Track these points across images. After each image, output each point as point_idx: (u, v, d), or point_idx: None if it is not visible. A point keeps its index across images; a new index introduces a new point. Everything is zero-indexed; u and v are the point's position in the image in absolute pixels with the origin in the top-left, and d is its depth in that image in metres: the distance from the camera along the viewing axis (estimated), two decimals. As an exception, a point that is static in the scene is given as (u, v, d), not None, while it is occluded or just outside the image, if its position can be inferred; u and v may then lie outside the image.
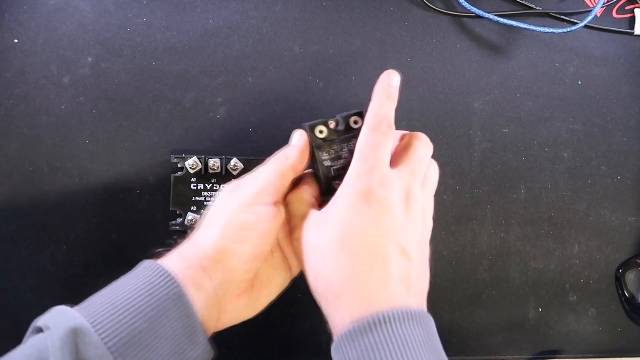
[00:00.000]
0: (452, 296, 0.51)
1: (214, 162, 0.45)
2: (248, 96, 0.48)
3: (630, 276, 0.52)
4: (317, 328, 0.48)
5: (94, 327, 0.26)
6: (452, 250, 0.50)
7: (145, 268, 0.31)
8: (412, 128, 0.50)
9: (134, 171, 0.46)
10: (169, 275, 0.30)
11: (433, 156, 0.36)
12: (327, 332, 0.31)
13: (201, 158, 0.45)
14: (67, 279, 0.45)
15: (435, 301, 0.50)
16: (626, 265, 0.53)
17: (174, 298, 0.29)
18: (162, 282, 0.29)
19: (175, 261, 0.31)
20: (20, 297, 0.45)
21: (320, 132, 0.35)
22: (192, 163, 0.44)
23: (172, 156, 0.45)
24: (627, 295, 0.52)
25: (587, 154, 0.53)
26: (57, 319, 0.27)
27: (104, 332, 0.26)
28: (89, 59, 0.46)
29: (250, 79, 0.48)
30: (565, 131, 0.52)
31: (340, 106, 0.48)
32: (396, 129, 0.36)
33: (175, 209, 0.45)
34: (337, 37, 0.49)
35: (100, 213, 0.46)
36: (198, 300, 0.30)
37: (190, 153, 0.45)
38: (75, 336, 0.26)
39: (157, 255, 0.32)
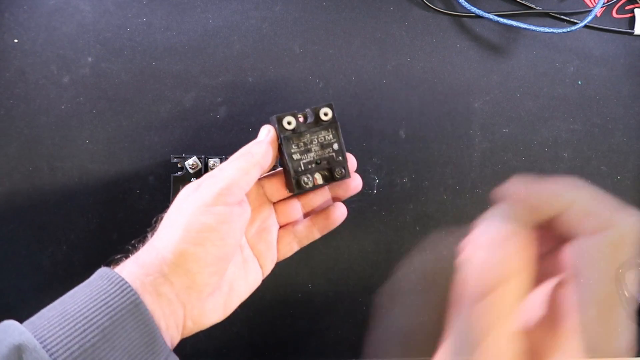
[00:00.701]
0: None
1: (214, 162, 0.45)
2: (248, 96, 0.48)
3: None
4: (317, 328, 0.48)
5: (41, 342, 0.25)
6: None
7: (100, 277, 0.29)
8: (412, 128, 0.50)
9: (134, 171, 0.46)
10: (125, 283, 0.28)
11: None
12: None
13: (201, 158, 0.45)
14: (67, 279, 0.45)
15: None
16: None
17: (131, 307, 0.28)
18: (118, 291, 0.28)
19: (133, 268, 0.30)
20: (20, 297, 0.45)
21: (289, 123, 0.34)
22: (192, 163, 0.44)
23: (172, 156, 0.45)
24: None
25: (587, 154, 0.53)
26: (2, 336, 0.25)
27: (52, 347, 0.25)
28: (89, 59, 0.46)
29: (250, 79, 0.48)
30: (565, 131, 0.52)
31: (340, 106, 0.48)
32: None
33: (175, 209, 0.45)
34: (337, 37, 0.49)
35: (100, 213, 0.46)
36: (159, 308, 0.29)
37: (190, 153, 0.45)
38: (20, 353, 0.24)
39: (115, 262, 0.31)
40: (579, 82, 0.53)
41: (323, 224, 0.38)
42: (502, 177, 0.51)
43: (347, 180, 0.37)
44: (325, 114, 0.35)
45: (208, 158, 0.45)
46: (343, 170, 0.36)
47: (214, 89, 0.47)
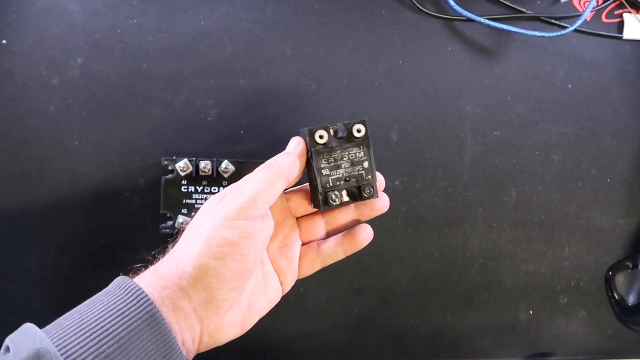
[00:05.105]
0: (443, 299, 0.51)
1: (205, 165, 0.45)
2: (239, 98, 0.47)
3: (619, 278, 0.53)
4: (309, 331, 0.48)
5: (59, 350, 0.25)
6: (443, 253, 0.51)
7: (118, 285, 0.29)
8: (404, 131, 0.50)
9: (124, 174, 0.46)
10: (142, 293, 0.28)
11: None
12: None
13: (192, 160, 0.45)
14: (55, 283, 0.45)
15: (427, 304, 0.50)
16: (616, 267, 0.53)
17: (147, 317, 0.27)
18: (134, 301, 0.28)
19: (151, 279, 0.30)
20: (8, 302, 0.44)
21: (321, 137, 0.34)
22: (182, 165, 0.44)
23: (163, 158, 0.45)
24: (616, 297, 0.53)
25: (577, 157, 0.53)
26: (22, 340, 0.26)
27: (69, 355, 0.25)
28: (79, 60, 0.45)
29: (241, 81, 0.48)
30: (555, 134, 0.53)
31: (332, 109, 0.48)
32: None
33: (165, 212, 0.45)
34: (329, 39, 0.49)
35: (90, 216, 0.45)
36: (175, 322, 0.29)
37: (181, 155, 0.45)
38: (39, 358, 0.24)
39: (133, 272, 0.31)
40: (569, 86, 0.53)
41: (349, 244, 0.37)
42: (493, 180, 0.52)
43: (374, 200, 0.36)
44: (359, 131, 0.34)
45: (199, 160, 0.45)
46: (372, 190, 0.35)
47: (205, 91, 0.47)
